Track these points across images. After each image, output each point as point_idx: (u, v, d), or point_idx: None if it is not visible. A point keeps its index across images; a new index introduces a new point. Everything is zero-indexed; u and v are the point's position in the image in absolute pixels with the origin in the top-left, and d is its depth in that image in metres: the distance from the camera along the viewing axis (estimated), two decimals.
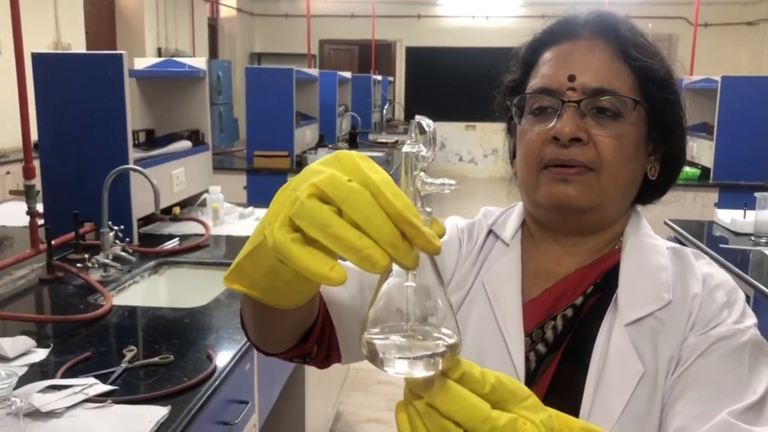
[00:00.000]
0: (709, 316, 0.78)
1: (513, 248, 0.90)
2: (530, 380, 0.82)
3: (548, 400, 0.80)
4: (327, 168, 0.47)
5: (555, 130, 0.80)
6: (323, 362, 0.85)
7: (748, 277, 2.27)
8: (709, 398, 0.73)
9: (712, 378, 0.75)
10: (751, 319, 0.80)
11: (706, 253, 2.63)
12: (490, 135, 11.85)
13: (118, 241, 2.22)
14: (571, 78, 0.80)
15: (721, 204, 4.00)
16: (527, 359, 0.82)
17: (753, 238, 2.75)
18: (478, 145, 11.74)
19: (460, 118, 11.34)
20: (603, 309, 0.83)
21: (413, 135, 0.50)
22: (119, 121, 2.37)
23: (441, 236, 0.48)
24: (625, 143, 0.81)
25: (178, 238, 2.53)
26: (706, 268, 0.83)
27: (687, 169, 4.49)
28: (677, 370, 0.77)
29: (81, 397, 1.29)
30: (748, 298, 2.28)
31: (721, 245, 2.71)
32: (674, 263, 0.84)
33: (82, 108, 2.37)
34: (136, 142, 2.86)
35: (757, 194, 2.77)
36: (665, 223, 3.18)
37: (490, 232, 0.94)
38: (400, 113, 11.23)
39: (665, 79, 0.83)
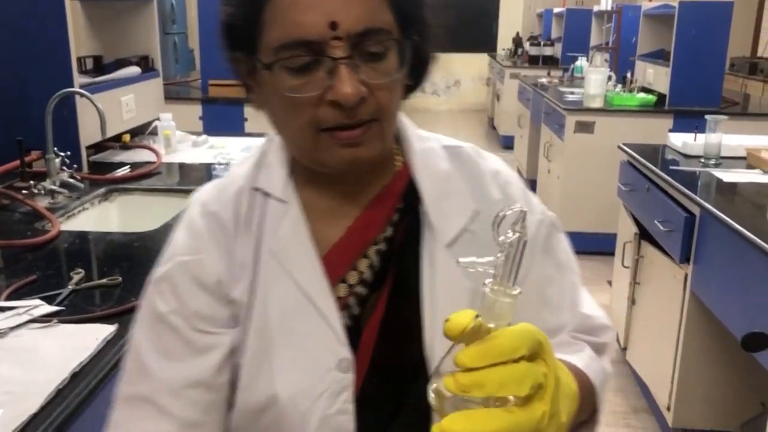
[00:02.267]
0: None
1: (291, 203, 0.80)
2: (356, 327, 0.78)
3: (384, 340, 0.77)
4: None
5: (337, 95, 0.69)
6: None
7: (696, 197, 2.31)
8: (550, 306, 0.82)
9: (541, 277, 0.82)
10: (535, 199, 0.87)
11: (658, 175, 2.68)
12: (453, 66, 11.77)
13: (65, 168, 2.18)
14: (334, 26, 0.67)
15: (675, 129, 4.05)
16: (348, 305, 0.78)
17: (702, 160, 2.80)
18: (440, 77, 11.64)
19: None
20: (417, 234, 0.80)
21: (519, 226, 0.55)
22: (62, 45, 2.29)
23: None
24: (397, 80, 0.74)
25: (129, 166, 2.48)
26: (491, 164, 0.86)
27: (642, 95, 4.52)
28: None
29: (25, 317, 1.28)
30: (694, 216, 2.33)
31: (671, 167, 2.75)
32: (457, 166, 0.84)
33: (22, 31, 2.27)
34: (84, 69, 2.77)
35: (707, 117, 2.81)
36: (619, 147, 3.21)
37: (255, 191, 0.82)
38: None
39: None
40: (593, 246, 4.45)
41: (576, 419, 0.74)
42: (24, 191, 2.03)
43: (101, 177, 2.34)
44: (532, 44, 8.23)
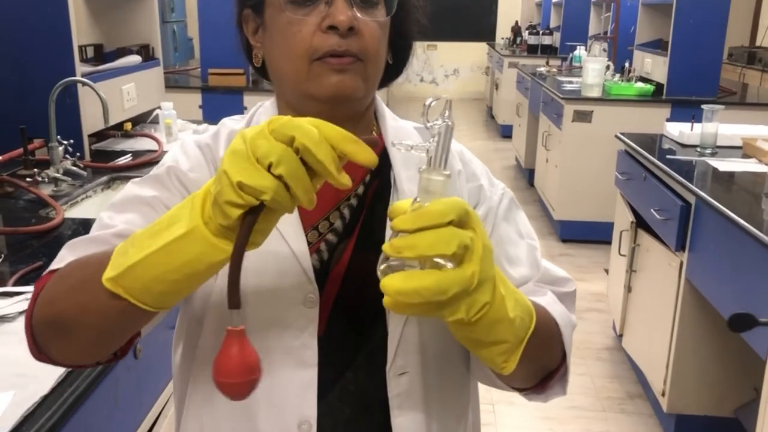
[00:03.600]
0: (477, 188, 0.92)
1: None
2: (325, 269, 0.85)
3: (347, 283, 0.84)
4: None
5: (333, 20, 0.79)
6: (122, 353, 0.83)
7: (691, 186, 2.34)
8: (512, 261, 0.90)
9: (503, 239, 0.90)
10: (496, 180, 0.97)
11: (654, 164, 2.71)
12: (452, 55, 11.77)
13: (68, 156, 2.20)
14: None
15: (673, 119, 4.07)
16: (319, 250, 0.85)
17: (698, 149, 2.83)
18: (438, 65, 11.64)
19: (421, 38, 11.11)
20: (385, 194, 0.88)
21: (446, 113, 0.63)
22: (64, 34, 2.31)
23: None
24: (384, 31, 0.84)
25: (130, 154, 2.50)
26: (457, 145, 0.94)
27: (641, 84, 4.54)
28: None
29: None
30: (689, 205, 2.36)
31: (668, 156, 2.78)
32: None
33: (24, 20, 2.29)
34: (84, 57, 2.79)
35: (704, 106, 2.83)
36: (617, 136, 3.24)
37: None
38: None
39: None
40: (591, 234, 4.49)
41: (542, 355, 0.81)
42: (28, 179, 2.06)
43: (104, 165, 2.36)
44: (530, 33, 8.24)
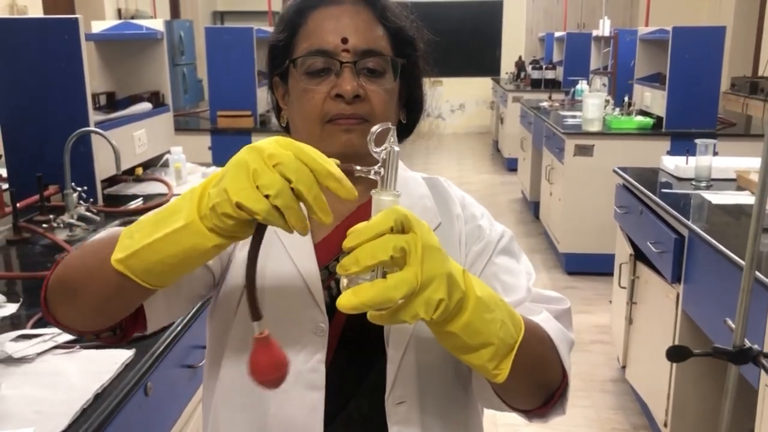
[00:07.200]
0: (476, 228, 1.00)
1: None
2: (333, 306, 0.90)
3: (353, 318, 0.89)
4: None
5: (339, 89, 0.90)
6: (123, 336, 0.90)
7: (684, 219, 2.40)
8: (507, 289, 0.95)
9: (498, 268, 0.98)
10: (494, 221, 1.05)
11: (650, 198, 2.77)
12: (458, 90, 11.94)
13: (82, 202, 2.30)
14: (345, 41, 0.91)
15: (673, 152, 4.15)
16: (329, 287, 0.94)
17: (693, 183, 2.90)
18: (445, 101, 11.79)
19: (427, 74, 11.33)
20: None
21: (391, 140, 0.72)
22: (78, 85, 2.42)
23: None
24: (391, 96, 0.95)
25: (141, 198, 2.60)
26: (458, 192, 1.05)
27: (641, 118, 4.63)
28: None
29: (51, 344, 1.38)
30: (683, 238, 2.42)
31: (663, 190, 2.85)
32: (432, 191, 1.02)
33: (41, 72, 2.41)
34: (97, 105, 2.90)
35: (697, 141, 2.90)
36: (614, 170, 3.31)
37: None
38: None
39: (413, 38, 0.99)
40: (595, 267, 4.53)
41: (538, 369, 0.84)
42: (44, 225, 2.15)
43: (116, 209, 2.46)
44: (534, 68, 8.37)
